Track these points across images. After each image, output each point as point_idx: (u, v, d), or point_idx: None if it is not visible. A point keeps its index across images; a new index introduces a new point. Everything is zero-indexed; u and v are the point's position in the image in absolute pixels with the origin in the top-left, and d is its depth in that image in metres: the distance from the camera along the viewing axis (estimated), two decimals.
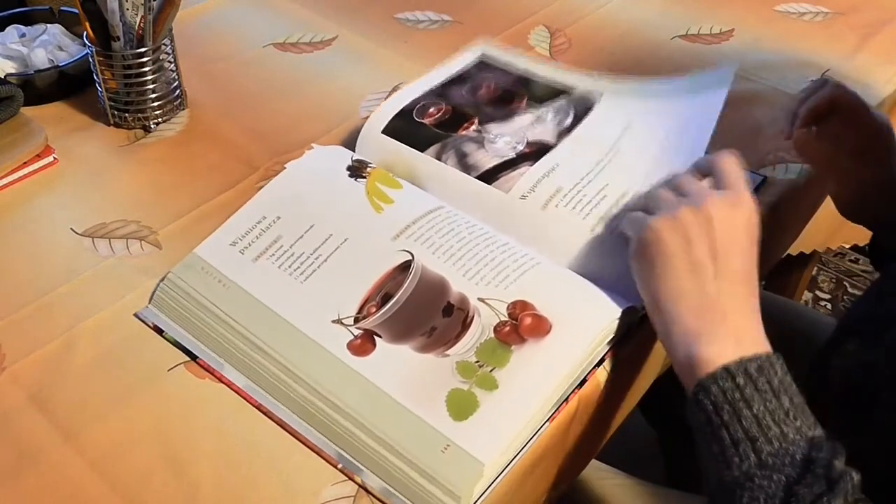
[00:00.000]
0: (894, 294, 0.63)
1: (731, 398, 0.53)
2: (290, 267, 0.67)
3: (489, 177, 0.73)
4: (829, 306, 1.74)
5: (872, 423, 0.57)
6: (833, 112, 0.75)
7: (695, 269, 0.59)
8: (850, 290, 1.78)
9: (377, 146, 0.78)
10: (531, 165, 0.73)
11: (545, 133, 0.77)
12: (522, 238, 0.69)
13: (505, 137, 0.76)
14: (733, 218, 0.60)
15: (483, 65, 0.87)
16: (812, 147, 0.77)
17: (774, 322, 0.59)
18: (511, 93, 0.81)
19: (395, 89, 0.92)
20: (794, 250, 1.09)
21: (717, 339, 0.56)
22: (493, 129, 0.77)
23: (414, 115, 0.80)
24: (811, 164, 0.80)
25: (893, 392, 0.56)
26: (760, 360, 0.55)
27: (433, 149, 0.76)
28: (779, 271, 1.36)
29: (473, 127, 0.78)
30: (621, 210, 0.69)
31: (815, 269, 1.77)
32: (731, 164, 0.63)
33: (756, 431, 0.52)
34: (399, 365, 0.61)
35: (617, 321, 0.63)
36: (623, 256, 0.64)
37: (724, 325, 0.57)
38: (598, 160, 0.74)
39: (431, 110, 0.80)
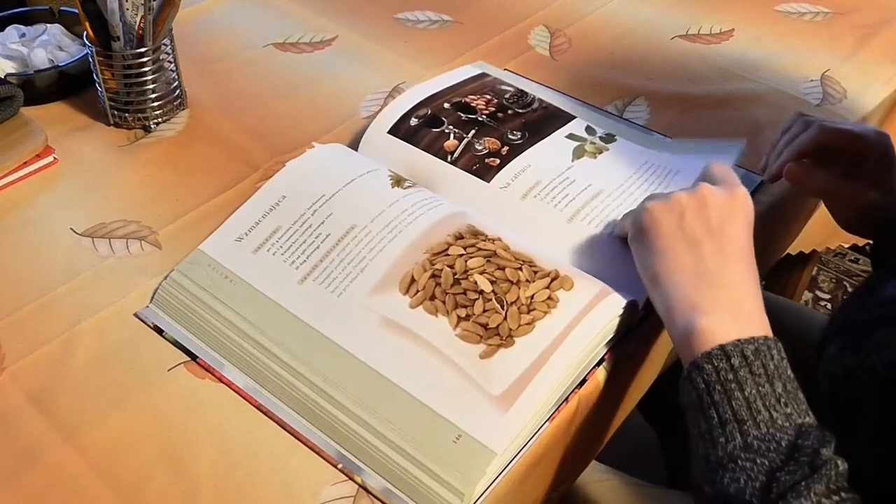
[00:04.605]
0: (873, 301, 0.63)
1: (723, 378, 0.54)
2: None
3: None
4: (829, 306, 1.74)
5: (858, 428, 0.57)
6: (822, 149, 0.74)
7: (690, 244, 0.60)
8: (849, 289, 1.78)
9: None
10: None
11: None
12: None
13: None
14: (728, 202, 0.62)
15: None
16: (808, 179, 0.75)
17: (774, 321, 0.59)
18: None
19: (395, 89, 0.92)
20: (793, 250, 1.09)
21: (716, 310, 0.57)
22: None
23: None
24: (808, 194, 0.79)
25: (875, 399, 0.56)
26: (758, 342, 0.55)
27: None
28: (779, 271, 1.36)
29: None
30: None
31: (815, 268, 1.77)
32: (723, 167, 0.66)
33: (745, 414, 0.53)
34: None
35: (619, 317, 0.63)
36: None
37: (722, 297, 0.58)
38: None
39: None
